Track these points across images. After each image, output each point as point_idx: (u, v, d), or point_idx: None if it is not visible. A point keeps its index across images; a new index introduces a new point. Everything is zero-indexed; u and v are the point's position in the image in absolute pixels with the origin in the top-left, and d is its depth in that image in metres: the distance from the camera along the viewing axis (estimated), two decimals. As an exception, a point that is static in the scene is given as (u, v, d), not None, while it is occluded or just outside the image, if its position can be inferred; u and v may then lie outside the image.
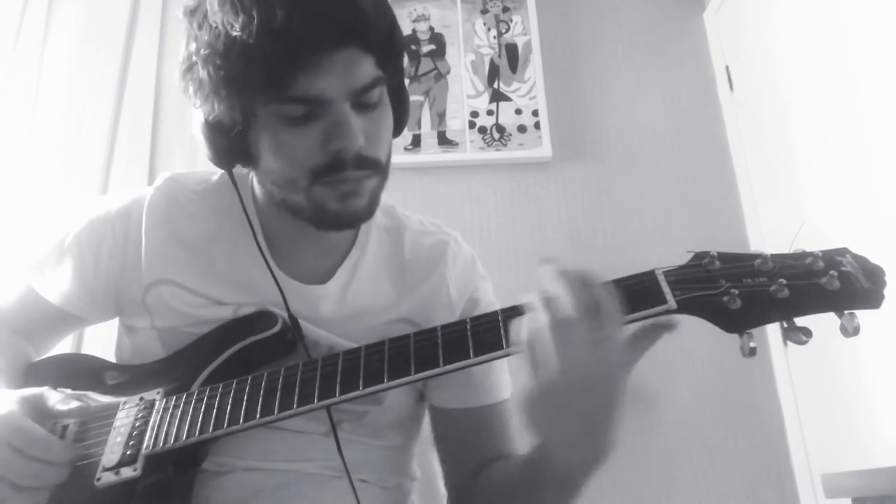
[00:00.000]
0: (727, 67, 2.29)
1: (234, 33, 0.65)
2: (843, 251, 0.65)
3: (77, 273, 0.83)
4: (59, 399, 0.71)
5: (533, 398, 0.59)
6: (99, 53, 2.23)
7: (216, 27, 0.66)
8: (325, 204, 0.72)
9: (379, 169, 0.74)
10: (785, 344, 1.97)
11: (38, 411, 0.70)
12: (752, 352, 0.61)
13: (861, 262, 0.64)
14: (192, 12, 0.71)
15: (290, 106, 0.68)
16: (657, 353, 2.34)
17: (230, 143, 0.73)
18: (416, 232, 0.91)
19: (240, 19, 0.65)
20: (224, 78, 0.67)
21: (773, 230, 2.05)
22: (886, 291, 0.62)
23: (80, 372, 0.81)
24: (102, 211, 0.86)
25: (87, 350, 1.84)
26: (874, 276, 0.62)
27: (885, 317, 1.61)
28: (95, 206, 0.87)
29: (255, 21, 0.64)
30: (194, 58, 0.69)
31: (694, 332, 2.14)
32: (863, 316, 1.70)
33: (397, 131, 0.81)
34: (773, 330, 2.00)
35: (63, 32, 2.25)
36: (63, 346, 1.38)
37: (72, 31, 2.25)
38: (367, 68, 0.70)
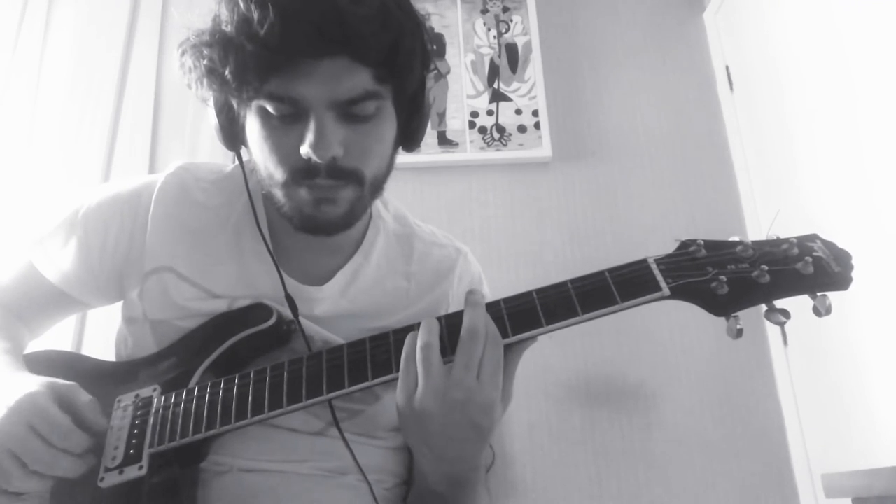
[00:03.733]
0: (727, 67, 2.29)
1: (224, 27, 0.66)
2: (813, 237, 0.71)
3: (81, 254, 0.82)
4: (90, 405, 0.70)
5: (404, 411, 0.66)
6: (99, 53, 2.23)
7: (214, 17, 0.68)
8: (301, 206, 0.72)
9: (358, 181, 0.72)
10: (784, 341, 1.97)
11: (65, 402, 0.68)
12: (739, 333, 0.65)
13: (830, 247, 0.70)
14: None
15: (273, 103, 0.69)
16: (658, 354, 2.34)
17: (230, 127, 0.75)
18: (427, 242, 0.91)
19: (225, 14, 0.66)
20: (206, 68, 0.68)
21: (774, 227, 2.04)
22: (854, 274, 0.67)
23: (72, 368, 0.80)
24: (112, 193, 0.85)
25: (87, 345, 1.84)
26: (843, 260, 0.68)
27: (884, 317, 1.61)
28: (105, 189, 0.87)
29: (238, 17, 0.65)
30: (186, 44, 0.70)
31: (694, 332, 2.14)
32: (863, 316, 1.70)
33: (409, 144, 0.80)
34: (772, 330, 2.00)
35: (63, 32, 2.25)
36: (64, 342, 1.37)
37: (72, 30, 2.25)
38: (358, 80, 0.68)
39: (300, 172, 0.70)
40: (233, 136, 0.76)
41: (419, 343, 0.66)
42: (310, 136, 0.68)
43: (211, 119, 0.77)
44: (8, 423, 0.64)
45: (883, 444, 1.54)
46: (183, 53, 0.71)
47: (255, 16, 0.64)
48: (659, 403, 1.98)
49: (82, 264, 0.83)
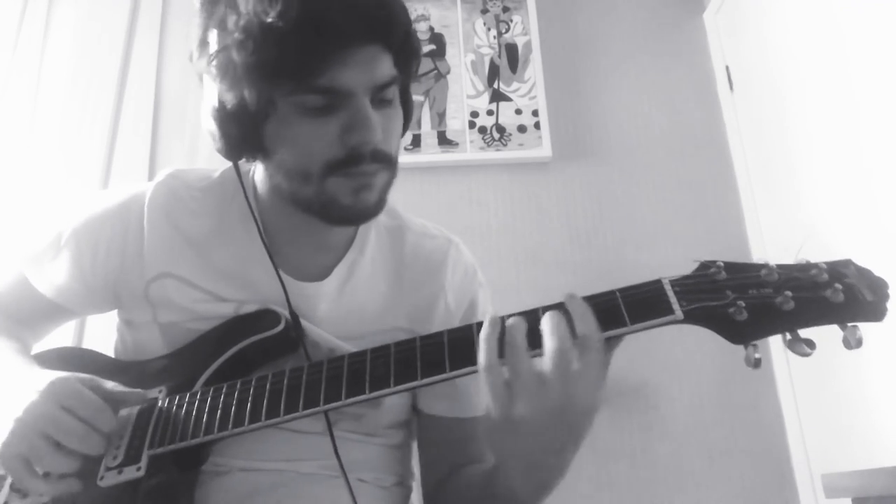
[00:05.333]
0: (727, 67, 2.29)
1: (269, 20, 0.66)
2: (847, 263, 0.65)
3: (73, 269, 0.83)
4: (115, 386, 0.72)
5: (495, 420, 0.61)
6: (99, 52, 2.23)
7: (248, 13, 0.67)
8: (338, 197, 0.73)
9: (391, 164, 0.75)
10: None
11: (92, 386, 0.70)
12: (758, 363, 0.61)
13: (865, 274, 0.64)
14: (212, 1, 0.72)
15: (313, 97, 0.69)
16: (658, 354, 2.34)
17: (243, 134, 0.73)
18: (419, 234, 0.91)
19: (277, 6, 0.66)
20: (256, 63, 0.67)
21: (772, 230, 2.05)
22: (889, 304, 0.62)
23: (85, 367, 0.80)
24: (101, 207, 0.85)
25: (87, 345, 1.84)
26: (878, 288, 0.63)
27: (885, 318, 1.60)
28: (93, 202, 0.87)
29: (295, 9, 0.66)
30: (227, 41, 0.69)
31: (695, 333, 2.14)
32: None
33: (403, 131, 0.82)
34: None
35: (63, 32, 2.25)
36: (64, 339, 1.37)
37: (72, 30, 2.25)
38: (386, 66, 0.71)
39: (340, 162, 0.71)
40: (239, 145, 0.74)
41: (508, 351, 0.60)
42: (358, 123, 0.69)
43: (214, 127, 0.74)
44: (41, 403, 0.66)
45: (883, 444, 1.54)
46: (220, 52, 0.70)
47: (309, 6, 0.66)
48: (659, 403, 1.98)
49: (75, 278, 0.83)
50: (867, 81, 1.61)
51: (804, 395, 1.90)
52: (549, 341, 0.59)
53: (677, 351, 2.02)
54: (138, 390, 0.73)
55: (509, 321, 0.61)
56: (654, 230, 2.14)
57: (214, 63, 0.71)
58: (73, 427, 0.66)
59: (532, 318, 0.63)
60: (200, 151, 2.13)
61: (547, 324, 0.60)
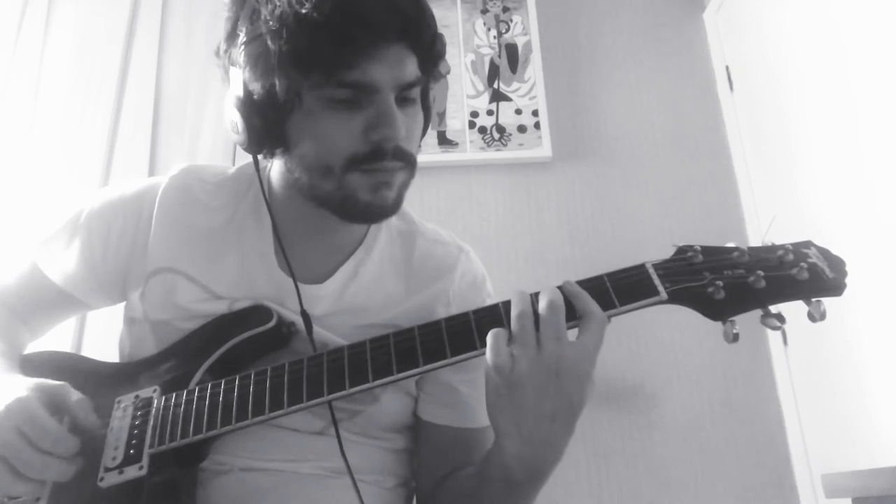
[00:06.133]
0: (727, 67, 2.29)
1: (304, 10, 0.66)
2: (808, 244, 0.72)
3: (84, 255, 0.83)
4: (80, 403, 0.70)
5: (499, 389, 0.65)
6: (99, 52, 2.23)
7: (283, 4, 0.68)
8: (357, 193, 0.73)
9: (411, 164, 0.75)
10: (784, 341, 1.97)
11: (55, 404, 0.68)
12: (735, 337, 0.66)
13: (825, 254, 0.71)
14: None
15: (340, 90, 0.70)
16: (658, 354, 2.33)
17: (267, 125, 0.73)
18: (430, 240, 0.91)
19: None
20: (288, 52, 0.68)
21: (773, 230, 2.05)
22: (847, 280, 0.68)
23: (72, 369, 0.80)
24: (116, 195, 0.86)
25: (87, 345, 1.85)
26: (837, 266, 0.69)
27: (884, 318, 1.61)
28: (109, 191, 0.87)
29: (330, 1, 0.66)
30: (260, 30, 0.69)
31: (694, 332, 2.14)
32: (863, 317, 1.70)
33: (422, 134, 0.82)
34: (773, 331, 2.00)
35: (63, 32, 2.25)
36: (64, 343, 1.37)
37: (72, 30, 2.25)
38: (412, 66, 0.73)
39: (362, 157, 0.71)
40: (262, 137, 0.74)
41: (514, 313, 0.66)
42: (382, 120, 0.70)
43: (238, 119, 0.73)
44: None
45: (883, 444, 1.54)
46: (253, 39, 0.70)
47: None
48: (659, 403, 1.98)
49: (85, 265, 0.83)
50: (867, 81, 1.61)
51: (804, 395, 1.90)
52: (543, 301, 0.65)
53: (677, 351, 2.02)
54: (95, 419, 0.71)
55: (517, 293, 0.67)
56: (654, 230, 2.14)
57: (245, 51, 0.71)
58: (30, 457, 0.64)
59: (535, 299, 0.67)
60: (200, 150, 2.13)
61: (544, 292, 0.66)
